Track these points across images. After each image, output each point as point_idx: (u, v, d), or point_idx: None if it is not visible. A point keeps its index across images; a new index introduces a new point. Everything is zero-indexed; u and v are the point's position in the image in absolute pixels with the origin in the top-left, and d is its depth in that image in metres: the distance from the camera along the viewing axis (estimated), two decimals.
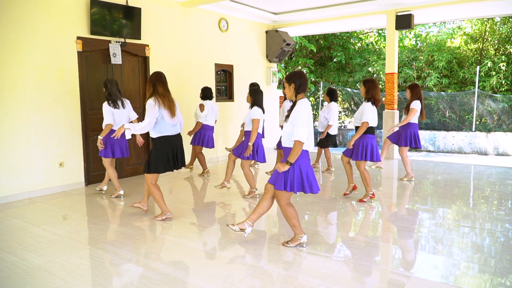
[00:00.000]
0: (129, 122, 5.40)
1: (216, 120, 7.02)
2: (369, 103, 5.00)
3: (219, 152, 8.80)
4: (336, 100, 6.88)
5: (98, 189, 5.78)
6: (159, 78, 4.26)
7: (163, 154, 4.29)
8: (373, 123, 5.07)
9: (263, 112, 5.25)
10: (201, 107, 6.65)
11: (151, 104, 4.16)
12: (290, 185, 3.44)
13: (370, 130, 5.09)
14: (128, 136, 4.25)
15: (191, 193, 5.90)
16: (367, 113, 4.96)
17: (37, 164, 5.66)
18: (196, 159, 7.14)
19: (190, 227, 4.34)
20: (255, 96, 5.24)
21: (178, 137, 4.45)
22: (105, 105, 5.20)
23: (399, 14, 8.32)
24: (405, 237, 4.02)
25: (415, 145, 6.28)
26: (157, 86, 4.22)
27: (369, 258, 3.47)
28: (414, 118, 6.24)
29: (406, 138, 6.27)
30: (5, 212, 4.91)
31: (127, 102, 5.41)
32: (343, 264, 3.31)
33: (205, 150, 7.40)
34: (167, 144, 4.30)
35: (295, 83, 3.54)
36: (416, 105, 6.17)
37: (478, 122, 11.73)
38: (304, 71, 13.41)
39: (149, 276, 3.12)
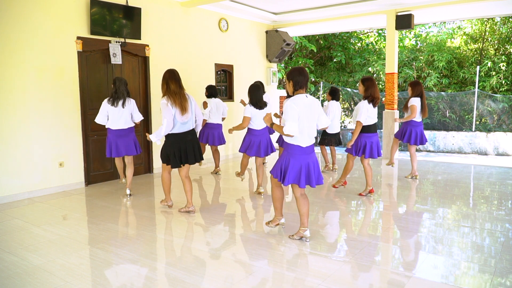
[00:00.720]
0: (134, 122, 5.48)
1: (224, 118, 7.04)
2: (366, 102, 5.06)
3: (229, 150, 8.84)
4: (337, 99, 6.91)
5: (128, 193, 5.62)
6: (172, 75, 4.35)
7: (169, 151, 4.45)
8: (371, 120, 5.13)
9: (262, 108, 5.28)
10: (204, 104, 6.73)
11: (164, 104, 4.27)
12: (275, 171, 3.70)
13: (367, 129, 5.15)
14: (158, 142, 4.45)
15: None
16: (361, 112, 5.04)
17: (37, 164, 5.66)
18: (215, 158, 7.23)
19: (190, 227, 4.34)
20: (252, 93, 5.29)
21: (189, 134, 4.48)
22: (104, 102, 5.25)
23: (399, 14, 8.32)
24: (405, 237, 4.02)
25: (412, 142, 6.30)
26: (169, 84, 4.32)
27: (369, 258, 3.47)
28: (416, 116, 6.25)
29: (400, 131, 6.40)
30: (5, 212, 4.91)
31: (130, 102, 5.35)
32: (343, 264, 3.31)
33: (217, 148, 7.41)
34: (174, 142, 4.41)
35: (293, 80, 3.61)
36: (415, 101, 6.19)
37: (478, 122, 11.72)
38: None
39: (149, 276, 3.12)
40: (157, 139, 4.38)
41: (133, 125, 5.46)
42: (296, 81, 3.60)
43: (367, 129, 5.17)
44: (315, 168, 3.68)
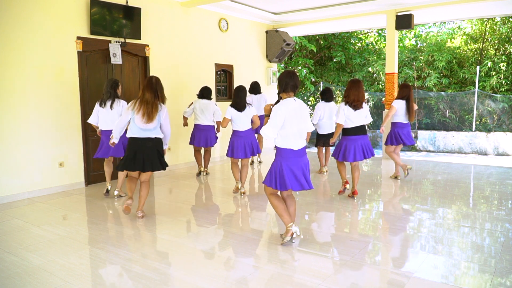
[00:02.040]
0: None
1: (218, 121, 6.80)
2: (342, 104, 5.11)
3: (217, 152, 8.82)
4: (326, 100, 6.77)
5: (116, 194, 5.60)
6: (149, 84, 4.39)
7: (129, 153, 4.42)
8: (350, 123, 5.09)
9: (241, 110, 5.38)
10: (190, 104, 6.81)
11: (125, 107, 4.59)
12: (269, 180, 3.63)
13: (347, 131, 5.15)
14: (114, 140, 4.52)
15: (191, 193, 5.91)
16: (338, 114, 5.10)
17: (37, 164, 5.66)
18: (207, 160, 7.15)
19: (190, 227, 4.34)
20: (234, 96, 5.42)
21: (150, 141, 4.40)
22: (96, 102, 5.36)
23: (399, 14, 8.32)
24: (405, 237, 4.02)
25: (402, 142, 6.35)
26: (144, 91, 4.39)
27: (369, 258, 3.47)
28: (398, 117, 6.27)
29: (389, 137, 6.41)
30: (5, 212, 4.91)
31: (119, 104, 5.28)
32: (343, 264, 3.31)
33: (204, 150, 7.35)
34: (133, 145, 4.41)
35: (280, 82, 3.64)
36: (395, 103, 6.22)
37: (478, 122, 11.72)
38: (305, 71, 13.40)
39: (149, 276, 3.12)
40: (114, 136, 4.47)
41: None
42: (283, 83, 3.60)
43: (347, 132, 5.16)
44: (307, 170, 3.67)
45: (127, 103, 5.30)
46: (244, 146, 5.46)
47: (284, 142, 3.58)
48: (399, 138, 6.29)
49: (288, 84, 3.59)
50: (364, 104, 5.14)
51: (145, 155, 4.39)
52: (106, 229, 4.27)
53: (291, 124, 3.54)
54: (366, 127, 5.39)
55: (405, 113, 6.24)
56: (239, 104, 5.37)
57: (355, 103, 5.02)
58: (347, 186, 5.48)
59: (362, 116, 5.13)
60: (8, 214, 4.83)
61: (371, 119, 5.30)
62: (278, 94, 3.77)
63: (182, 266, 3.30)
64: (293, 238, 3.72)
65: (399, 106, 6.20)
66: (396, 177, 6.59)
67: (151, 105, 4.31)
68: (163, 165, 4.51)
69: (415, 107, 6.37)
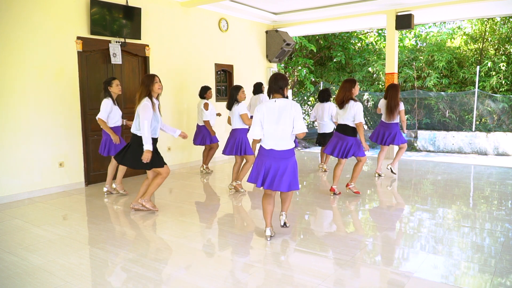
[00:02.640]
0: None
1: (205, 121, 6.90)
2: (332, 102, 5.56)
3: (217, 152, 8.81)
4: (322, 101, 6.92)
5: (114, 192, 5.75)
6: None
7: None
8: (338, 120, 5.38)
9: (229, 108, 5.56)
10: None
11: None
12: (250, 175, 3.78)
13: (336, 127, 5.45)
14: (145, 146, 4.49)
15: (191, 193, 5.91)
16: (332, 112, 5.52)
17: (37, 164, 5.66)
18: (210, 159, 7.33)
19: (190, 227, 4.34)
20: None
21: (132, 136, 4.59)
22: None
23: (399, 14, 8.32)
24: (405, 237, 4.02)
25: (384, 143, 6.52)
26: None
27: (369, 258, 3.47)
28: (382, 115, 6.57)
29: (374, 132, 6.70)
30: (5, 212, 4.91)
31: (104, 103, 5.29)
32: (343, 264, 3.31)
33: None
34: None
35: (268, 84, 3.82)
36: (380, 102, 6.57)
37: (478, 122, 11.72)
38: (305, 71, 13.39)
39: (149, 276, 3.12)
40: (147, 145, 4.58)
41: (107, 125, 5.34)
42: (268, 85, 3.76)
43: (336, 128, 5.47)
44: (277, 173, 3.63)
45: (113, 102, 5.36)
46: (228, 142, 5.64)
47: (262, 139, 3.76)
48: (381, 136, 6.52)
49: (271, 88, 3.73)
50: (347, 105, 5.10)
51: (125, 147, 4.67)
52: (106, 229, 4.27)
53: (264, 123, 3.66)
54: (366, 127, 5.42)
55: (385, 112, 6.43)
56: (228, 103, 5.57)
57: (336, 102, 5.29)
58: (333, 192, 5.53)
59: (347, 116, 5.15)
60: (8, 214, 4.83)
61: (359, 120, 5.04)
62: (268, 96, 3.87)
63: (182, 266, 3.31)
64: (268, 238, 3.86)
65: (380, 104, 6.54)
66: (392, 172, 6.77)
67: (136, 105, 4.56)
68: (126, 162, 4.57)
69: (401, 108, 6.31)
